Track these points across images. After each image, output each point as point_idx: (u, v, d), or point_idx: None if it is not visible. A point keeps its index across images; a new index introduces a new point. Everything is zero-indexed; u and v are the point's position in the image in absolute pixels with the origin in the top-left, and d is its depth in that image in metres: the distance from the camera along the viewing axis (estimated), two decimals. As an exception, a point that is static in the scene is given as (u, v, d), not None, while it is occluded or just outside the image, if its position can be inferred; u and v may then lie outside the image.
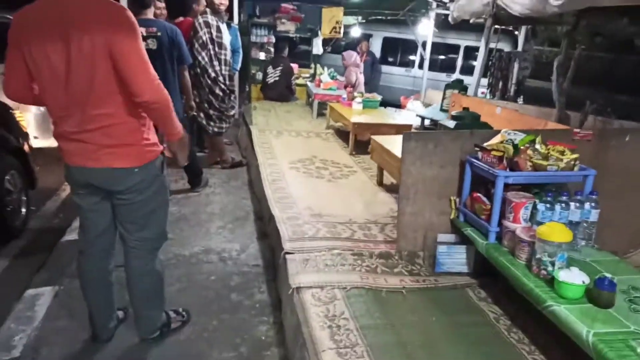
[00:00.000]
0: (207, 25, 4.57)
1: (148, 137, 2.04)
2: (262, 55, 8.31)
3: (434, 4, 7.21)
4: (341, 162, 4.74)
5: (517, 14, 4.14)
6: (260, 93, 7.80)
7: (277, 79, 7.46)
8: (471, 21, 5.26)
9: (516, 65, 6.42)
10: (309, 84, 7.78)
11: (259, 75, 8.05)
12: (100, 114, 1.89)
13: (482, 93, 7.14)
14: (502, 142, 2.51)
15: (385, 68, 10.82)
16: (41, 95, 1.92)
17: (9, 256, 3.47)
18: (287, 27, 8.14)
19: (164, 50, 3.78)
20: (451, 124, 3.01)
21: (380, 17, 10.74)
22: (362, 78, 7.57)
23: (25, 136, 4.17)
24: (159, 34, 3.76)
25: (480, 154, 2.51)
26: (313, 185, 4.01)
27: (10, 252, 3.52)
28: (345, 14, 9.25)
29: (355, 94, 6.24)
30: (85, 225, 2.14)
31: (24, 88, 1.93)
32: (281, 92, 7.55)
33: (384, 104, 8.47)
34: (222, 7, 4.66)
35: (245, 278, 3.05)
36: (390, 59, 11.18)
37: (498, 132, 2.67)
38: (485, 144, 2.55)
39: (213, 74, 4.65)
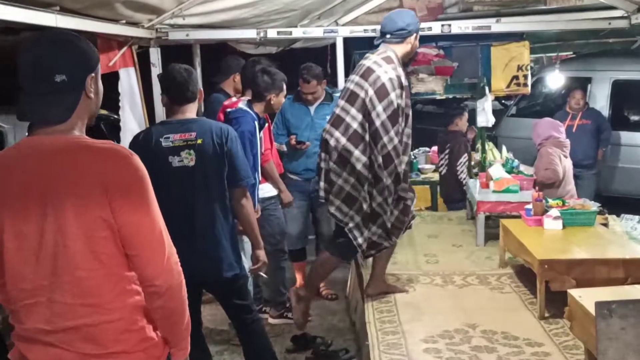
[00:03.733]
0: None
1: (151, 337, 2.41)
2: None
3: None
4: (521, 336, 4.73)
5: None
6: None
7: (446, 168, 8.31)
8: None
9: None
10: (470, 181, 8.05)
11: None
12: (81, 305, 2.27)
13: None
14: None
15: (622, 136, 10.70)
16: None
17: None
18: (429, 85, 8.53)
19: (205, 165, 4.25)
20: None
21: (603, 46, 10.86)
22: (569, 166, 7.54)
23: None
24: (199, 141, 4.23)
25: None
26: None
27: None
28: (534, 51, 9.58)
29: (552, 201, 6.23)
30: None
31: None
32: (450, 190, 8.32)
33: (623, 203, 8.25)
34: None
35: None
36: (634, 119, 11.05)
37: None
38: None
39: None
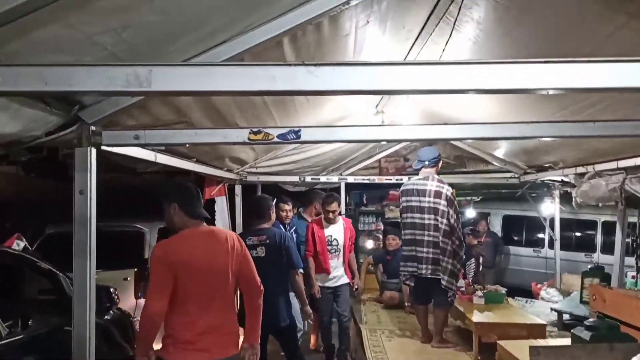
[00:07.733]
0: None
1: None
2: (370, 244, 8.93)
3: (557, 184, 7.57)
4: (464, 371, 4.74)
5: (648, 200, 4.35)
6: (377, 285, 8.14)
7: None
8: (599, 205, 5.47)
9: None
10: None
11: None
12: (229, 306, 3.07)
13: (633, 277, 6.94)
14: (645, 360, 2.58)
15: (511, 249, 10.98)
16: (183, 300, 2.88)
17: None
18: (396, 213, 8.83)
19: (271, 256, 4.47)
20: (586, 334, 3.10)
21: (498, 193, 11.23)
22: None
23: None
24: (267, 241, 4.49)
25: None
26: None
27: None
28: (459, 195, 9.92)
29: (476, 285, 6.39)
30: None
31: (166, 303, 2.84)
32: None
33: (513, 290, 8.43)
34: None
35: None
36: (516, 238, 11.33)
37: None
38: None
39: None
